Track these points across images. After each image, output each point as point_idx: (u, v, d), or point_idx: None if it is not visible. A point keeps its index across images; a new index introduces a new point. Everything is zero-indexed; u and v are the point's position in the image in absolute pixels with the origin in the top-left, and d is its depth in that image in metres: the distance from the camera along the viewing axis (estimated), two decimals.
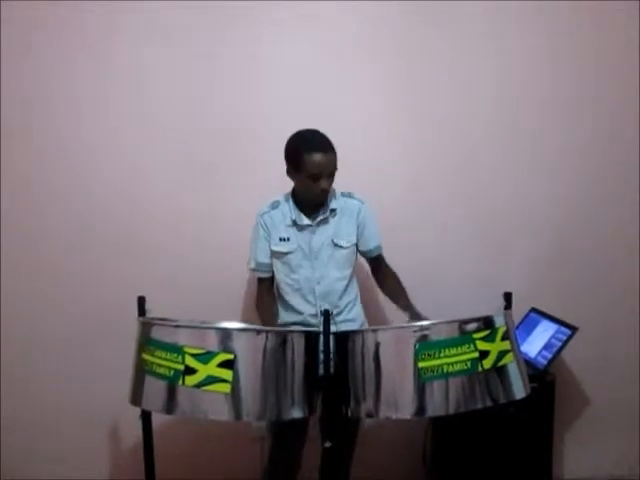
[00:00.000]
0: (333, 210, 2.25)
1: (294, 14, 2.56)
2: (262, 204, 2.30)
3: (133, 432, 2.50)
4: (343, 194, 2.30)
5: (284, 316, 2.31)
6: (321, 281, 2.25)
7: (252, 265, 2.31)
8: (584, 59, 2.67)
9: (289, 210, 2.25)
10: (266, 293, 2.34)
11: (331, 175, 2.16)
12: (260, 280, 2.35)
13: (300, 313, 2.27)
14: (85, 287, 2.62)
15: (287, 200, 2.27)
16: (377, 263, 2.40)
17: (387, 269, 2.39)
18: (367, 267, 2.45)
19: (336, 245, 2.25)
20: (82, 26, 2.52)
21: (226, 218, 2.60)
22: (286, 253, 2.25)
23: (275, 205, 2.28)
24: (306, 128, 2.19)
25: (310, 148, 2.11)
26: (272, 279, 2.34)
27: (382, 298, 2.51)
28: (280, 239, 2.25)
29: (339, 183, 2.25)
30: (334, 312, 2.20)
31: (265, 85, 2.60)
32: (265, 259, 2.29)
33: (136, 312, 1.97)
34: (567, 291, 2.73)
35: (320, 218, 2.24)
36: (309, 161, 2.11)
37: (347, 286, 2.30)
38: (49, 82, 2.54)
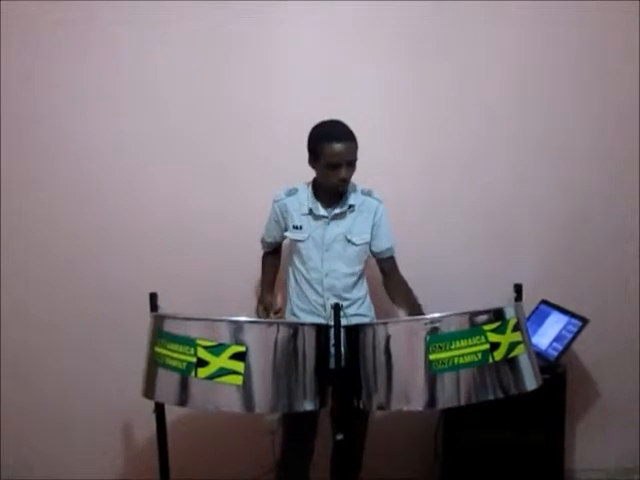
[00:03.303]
0: (352, 206, 2.24)
1: (304, 11, 2.56)
2: (279, 190, 2.30)
3: (145, 432, 2.54)
4: (363, 191, 2.28)
5: (296, 301, 2.31)
6: (329, 274, 2.24)
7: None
8: (586, 58, 2.66)
9: (307, 198, 2.25)
10: (267, 259, 2.48)
11: (350, 164, 2.14)
12: (264, 253, 2.48)
13: (310, 302, 2.27)
14: (95, 285, 2.64)
15: (307, 188, 2.27)
16: (389, 266, 2.36)
17: (399, 277, 2.36)
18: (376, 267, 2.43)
19: (349, 241, 2.24)
20: (87, 25, 2.53)
21: (236, 215, 2.61)
22: (297, 241, 2.26)
23: (292, 192, 2.28)
24: (329, 118, 2.17)
25: (329, 137, 2.11)
26: (273, 252, 2.47)
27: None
28: (294, 227, 2.26)
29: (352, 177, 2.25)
30: (343, 305, 2.21)
31: (274, 82, 2.60)
32: (267, 239, 2.40)
33: (147, 309, 1.98)
34: (578, 283, 2.72)
35: (337, 212, 2.23)
36: (328, 150, 2.10)
37: (356, 282, 2.29)
38: (52, 83, 2.55)
